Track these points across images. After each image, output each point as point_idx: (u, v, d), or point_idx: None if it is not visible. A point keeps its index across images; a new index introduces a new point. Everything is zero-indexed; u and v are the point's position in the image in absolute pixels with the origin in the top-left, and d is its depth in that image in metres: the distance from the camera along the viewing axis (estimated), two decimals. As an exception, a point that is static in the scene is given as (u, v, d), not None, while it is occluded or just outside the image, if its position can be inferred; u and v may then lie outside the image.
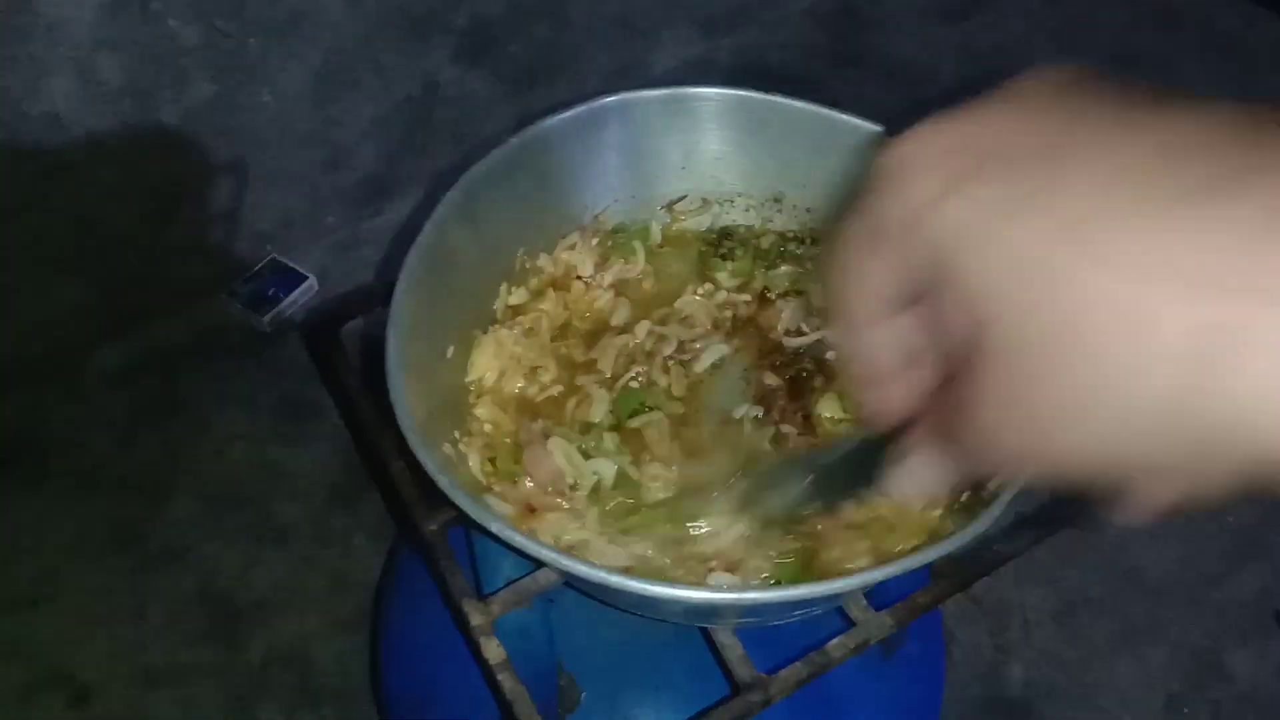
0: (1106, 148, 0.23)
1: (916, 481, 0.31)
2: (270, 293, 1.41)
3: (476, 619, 0.50)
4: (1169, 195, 0.21)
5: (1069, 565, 1.26)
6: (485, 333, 0.60)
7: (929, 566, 0.54)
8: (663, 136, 0.66)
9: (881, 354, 0.29)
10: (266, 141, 1.34)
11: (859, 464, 0.35)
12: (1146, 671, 1.22)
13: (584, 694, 0.68)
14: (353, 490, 1.30)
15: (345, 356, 0.60)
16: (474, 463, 0.55)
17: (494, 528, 0.42)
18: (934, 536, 0.53)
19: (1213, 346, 0.21)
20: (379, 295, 0.63)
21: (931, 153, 0.25)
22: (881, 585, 0.57)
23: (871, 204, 0.26)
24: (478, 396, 0.58)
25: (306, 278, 1.42)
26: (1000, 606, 1.24)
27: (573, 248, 0.65)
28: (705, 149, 0.67)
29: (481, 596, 0.52)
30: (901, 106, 1.63)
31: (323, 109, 1.35)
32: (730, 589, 0.47)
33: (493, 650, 0.49)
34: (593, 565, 0.41)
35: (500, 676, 0.49)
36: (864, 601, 0.52)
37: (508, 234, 0.61)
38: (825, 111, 0.63)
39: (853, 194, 0.27)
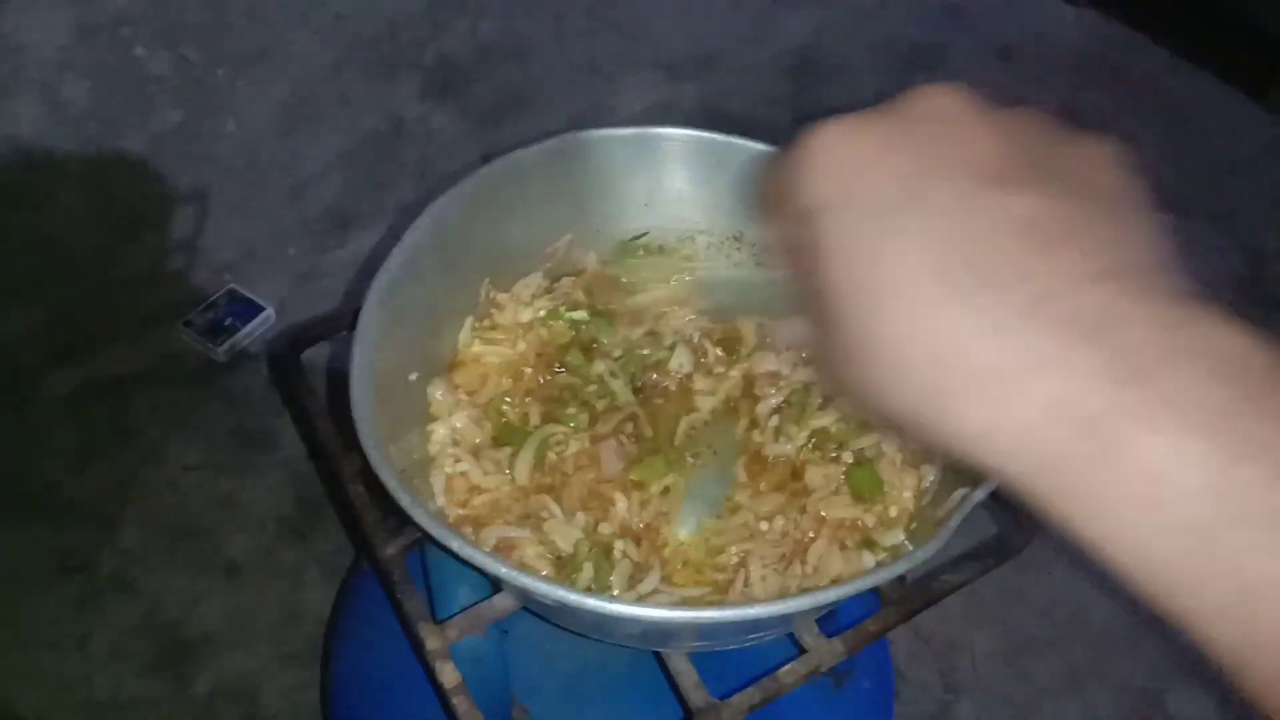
0: (936, 218, 0.29)
1: (792, 333, 0.39)
2: (227, 323, 1.41)
3: (433, 643, 0.51)
4: (955, 278, 0.28)
5: (1017, 606, 1.28)
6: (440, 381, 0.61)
7: (878, 596, 0.55)
8: (627, 174, 0.67)
9: (785, 247, 0.36)
10: (230, 171, 1.35)
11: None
12: (1092, 712, 1.24)
13: (537, 725, 0.68)
14: (304, 523, 1.29)
15: (306, 380, 0.60)
16: (438, 487, 0.56)
17: (454, 545, 0.43)
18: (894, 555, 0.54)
19: (944, 387, 0.28)
20: (342, 321, 0.63)
21: (830, 161, 0.31)
22: (831, 613, 0.59)
23: (786, 171, 0.33)
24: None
25: (264, 309, 1.41)
26: (949, 646, 1.26)
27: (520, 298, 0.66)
28: (668, 187, 0.69)
29: (437, 621, 0.52)
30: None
31: (287, 141, 1.36)
32: (683, 607, 0.48)
33: (448, 674, 0.50)
34: (549, 583, 0.42)
35: (455, 700, 0.49)
36: (815, 628, 0.53)
37: (474, 263, 0.62)
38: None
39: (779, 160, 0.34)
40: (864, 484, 0.56)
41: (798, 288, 0.37)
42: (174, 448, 1.34)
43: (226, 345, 1.39)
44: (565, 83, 1.56)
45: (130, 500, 1.29)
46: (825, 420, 0.59)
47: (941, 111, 0.32)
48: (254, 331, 1.41)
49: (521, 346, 0.64)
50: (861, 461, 0.57)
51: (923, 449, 0.35)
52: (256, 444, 1.35)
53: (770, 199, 0.36)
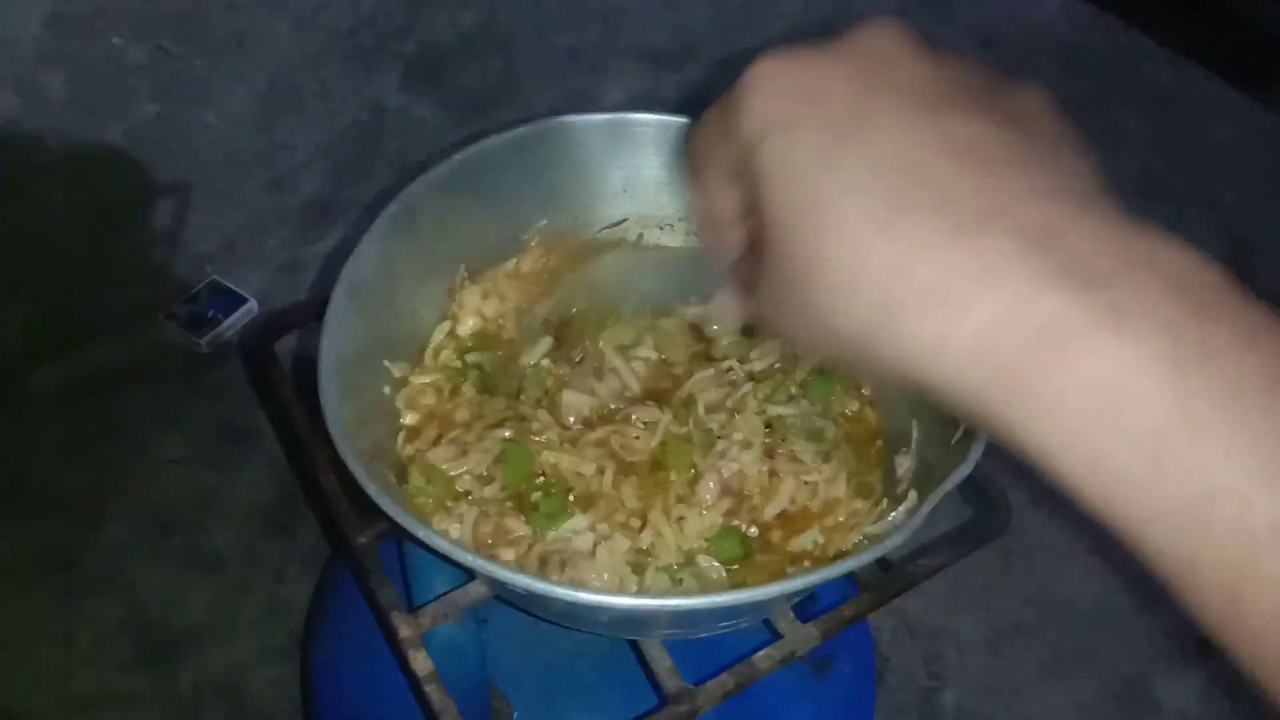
0: (879, 139, 0.30)
1: (727, 310, 0.41)
2: (209, 315, 1.40)
3: (405, 631, 0.50)
4: (903, 194, 0.29)
5: (1001, 593, 1.28)
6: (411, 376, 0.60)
7: (854, 581, 0.55)
8: (604, 160, 0.67)
9: (716, 209, 0.37)
10: (210, 163, 1.34)
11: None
12: (1077, 699, 1.24)
13: (516, 714, 0.68)
14: (288, 517, 1.28)
15: (280, 369, 0.60)
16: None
17: (420, 533, 0.42)
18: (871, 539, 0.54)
19: (893, 301, 0.28)
20: (315, 310, 0.63)
21: (774, 87, 0.32)
22: (809, 598, 0.59)
23: (725, 109, 0.33)
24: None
25: (247, 300, 1.41)
26: (933, 633, 1.26)
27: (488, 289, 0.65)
28: (646, 174, 0.68)
29: (411, 609, 0.52)
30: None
31: (267, 132, 1.36)
32: (655, 596, 0.48)
33: (420, 662, 0.49)
34: (517, 571, 0.42)
35: (428, 688, 0.49)
36: (790, 614, 0.52)
37: (447, 250, 0.61)
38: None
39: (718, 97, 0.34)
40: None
41: (730, 244, 0.38)
42: (158, 442, 1.33)
43: (209, 337, 1.38)
44: (547, 72, 1.56)
45: (114, 494, 1.28)
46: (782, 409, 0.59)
47: (881, 45, 0.33)
48: (237, 323, 1.40)
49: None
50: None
51: (870, 381, 0.34)
52: (240, 437, 1.34)
53: (704, 149, 0.36)
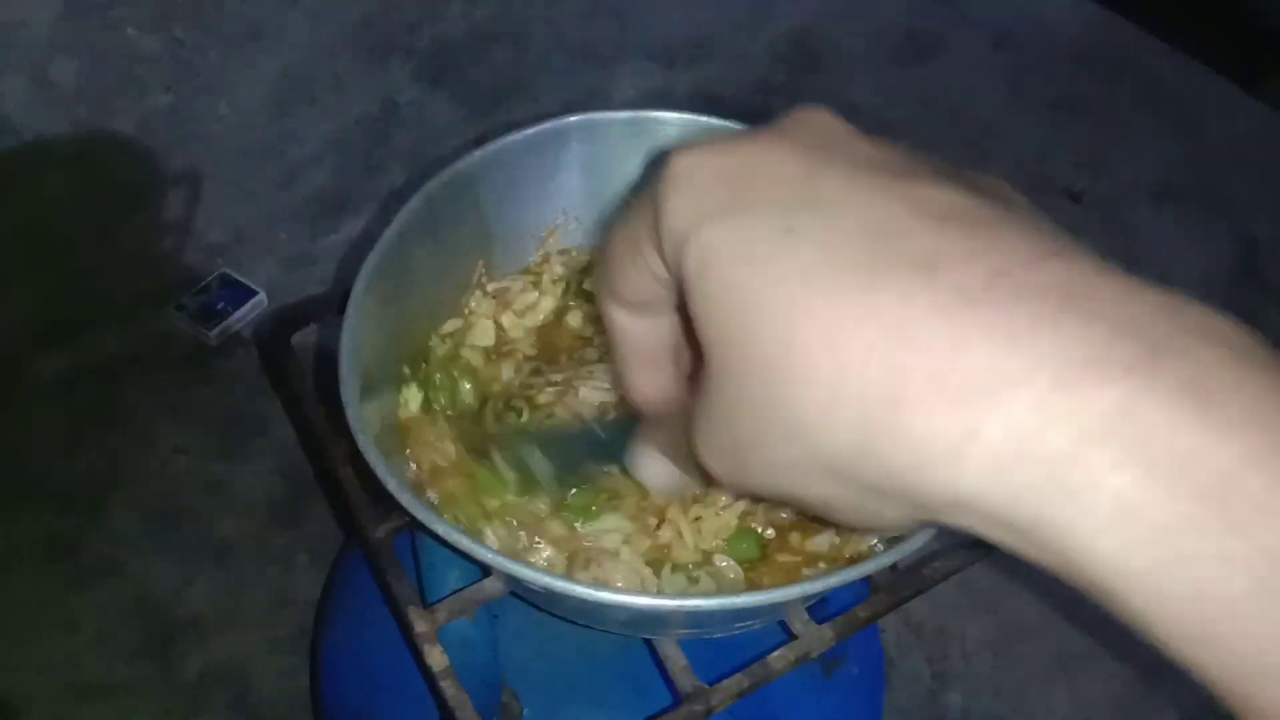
0: (842, 209, 0.24)
1: (650, 473, 0.35)
2: (219, 306, 1.40)
3: (421, 626, 0.50)
4: (885, 262, 0.23)
5: (1007, 594, 1.28)
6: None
7: (868, 583, 0.55)
8: (622, 157, 0.66)
9: (634, 340, 0.31)
10: (221, 154, 1.34)
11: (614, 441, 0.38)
12: (1082, 702, 1.25)
13: (527, 711, 0.68)
14: (296, 508, 1.28)
15: (297, 361, 0.60)
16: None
17: (439, 529, 0.42)
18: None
19: (897, 394, 0.22)
20: (332, 303, 0.63)
21: (703, 176, 0.26)
22: (822, 600, 0.59)
23: (643, 211, 0.28)
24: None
25: (256, 293, 1.41)
26: (939, 635, 1.26)
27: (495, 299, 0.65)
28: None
29: (426, 605, 0.52)
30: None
31: (279, 124, 1.35)
32: (672, 596, 0.48)
33: (435, 657, 0.49)
34: (534, 568, 0.42)
35: (443, 684, 0.49)
36: (805, 615, 0.52)
37: (466, 247, 0.61)
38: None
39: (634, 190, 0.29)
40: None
41: (657, 388, 0.32)
42: (164, 432, 1.33)
43: (218, 329, 1.38)
44: (560, 68, 1.56)
45: (119, 484, 1.29)
46: None
47: (819, 125, 0.27)
48: (246, 315, 1.40)
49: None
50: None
51: (862, 526, 0.27)
52: (248, 428, 1.34)
53: (617, 271, 0.29)
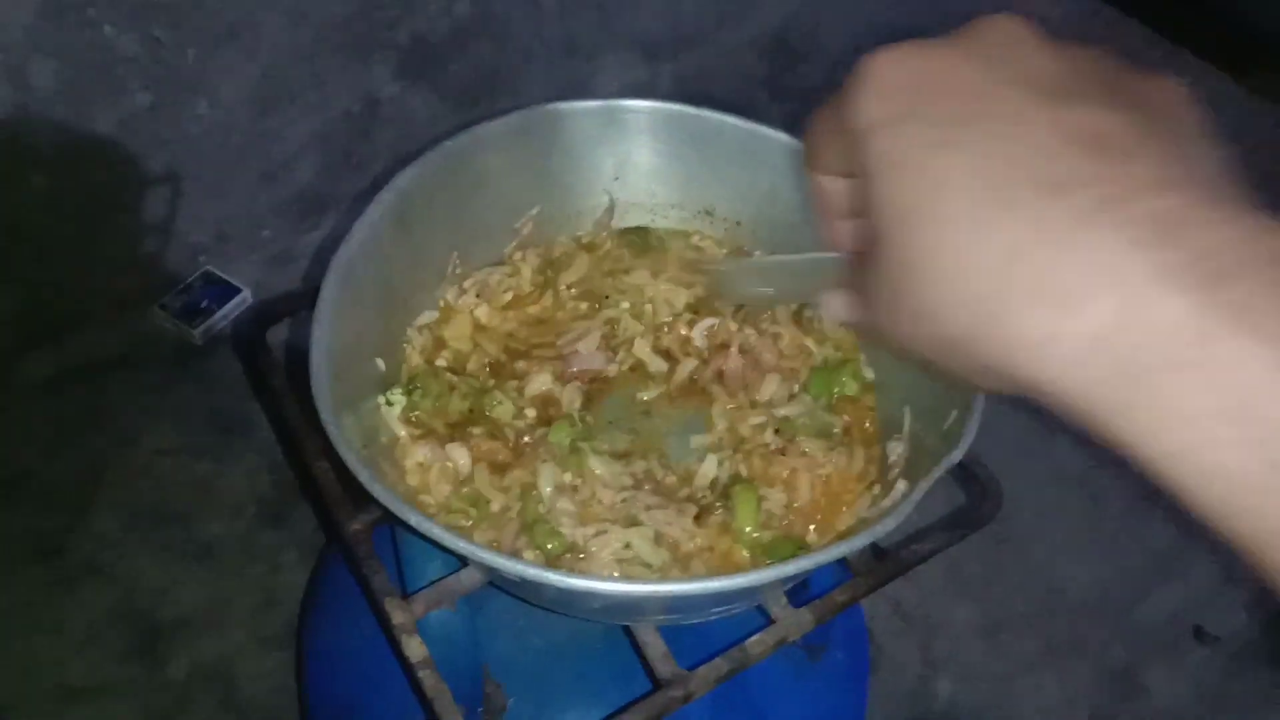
0: (1000, 130, 0.29)
1: (835, 310, 0.40)
2: (203, 305, 1.39)
3: (399, 617, 0.50)
4: (1022, 183, 0.27)
5: (995, 582, 1.29)
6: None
7: (846, 566, 0.55)
8: (595, 147, 0.67)
9: (830, 199, 0.38)
10: (203, 153, 1.33)
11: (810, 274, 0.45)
12: (1069, 688, 1.25)
13: (511, 700, 0.68)
14: (282, 507, 1.28)
15: (271, 356, 0.60)
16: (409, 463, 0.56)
17: (412, 520, 0.42)
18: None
19: (1004, 297, 0.27)
20: (307, 298, 0.63)
21: (887, 82, 0.31)
22: (801, 584, 0.59)
23: (840, 101, 0.33)
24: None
25: (240, 290, 1.40)
26: (928, 622, 1.26)
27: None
28: (638, 161, 0.68)
29: (404, 595, 0.52)
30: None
31: (261, 122, 1.35)
32: (646, 581, 0.48)
33: (414, 648, 0.49)
34: (509, 558, 0.42)
35: (421, 674, 0.49)
36: (783, 599, 0.53)
37: (440, 238, 0.61)
38: (754, 127, 0.65)
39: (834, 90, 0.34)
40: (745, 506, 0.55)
41: (843, 239, 0.39)
42: (149, 432, 1.32)
43: (203, 328, 1.38)
44: (542, 62, 1.55)
45: (104, 484, 1.28)
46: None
47: (1003, 36, 0.32)
48: (230, 314, 1.40)
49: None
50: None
51: (961, 384, 0.32)
52: (233, 428, 1.34)
53: (818, 145, 0.36)
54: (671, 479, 0.58)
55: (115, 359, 1.37)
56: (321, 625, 0.81)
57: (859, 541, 0.44)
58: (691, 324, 0.65)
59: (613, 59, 1.64)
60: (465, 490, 0.54)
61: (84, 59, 1.17)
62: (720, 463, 0.58)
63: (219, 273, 1.41)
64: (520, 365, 0.61)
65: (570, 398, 0.59)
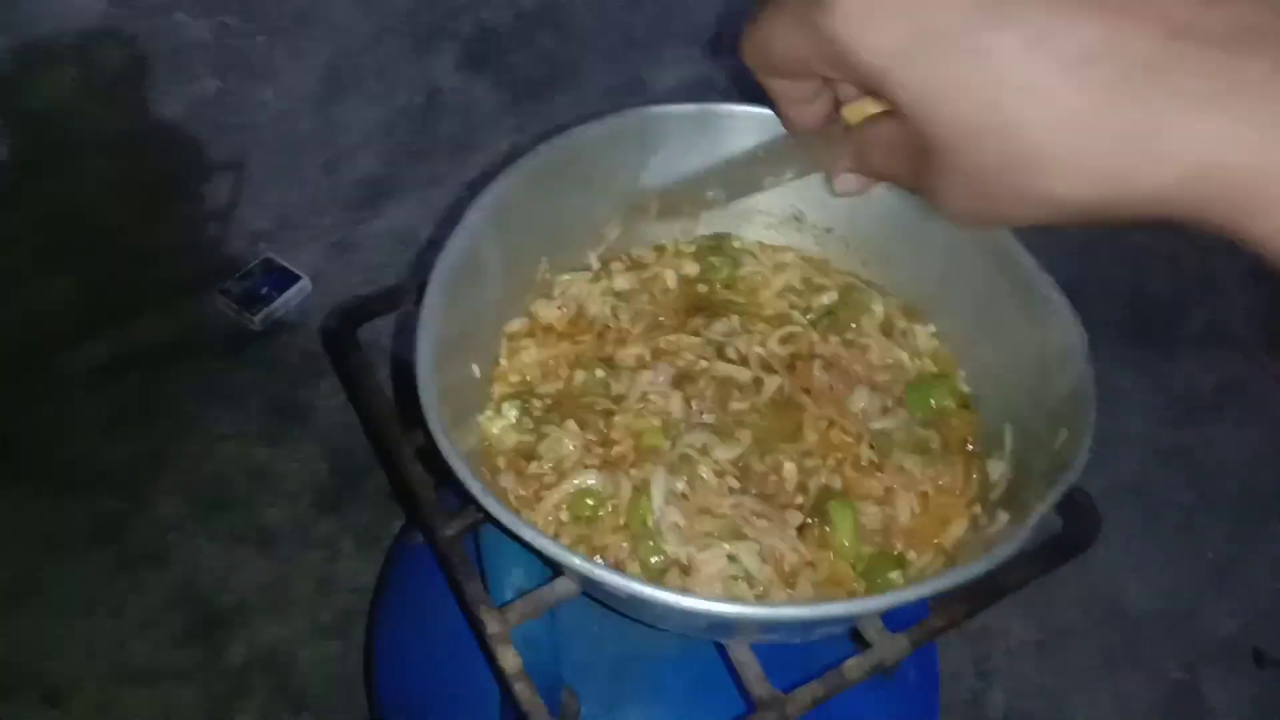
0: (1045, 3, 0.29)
1: (849, 187, 0.43)
2: (263, 292, 1.40)
3: (494, 627, 0.50)
4: (1107, 19, 0.28)
5: (1052, 594, 1.27)
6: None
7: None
8: (686, 152, 0.65)
9: (792, 92, 0.40)
10: (266, 140, 1.34)
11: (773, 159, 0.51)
12: (1125, 702, 1.23)
13: (583, 709, 0.67)
14: (339, 494, 1.29)
15: (362, 355, 0.60)
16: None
17: (527, 536, 0.42)
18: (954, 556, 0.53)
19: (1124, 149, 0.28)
20: (399, 298, 0.63)
21: (875, 8, 0.31)
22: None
23: (811, 26, 0.33)
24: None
25: (300, 278, 1.41)
26: (983, 634, 1.25)
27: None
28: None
29: (498, 605, 0.52)
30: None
31: (325, 110, 1.35)
32: (759, 604, 0.47)
33: (509, 660, 0.49)
34: (623, 576, 0.41)
35: (517, 686, 0.49)
36: (879, 623, 0.52)
37: (532, 244, 0.61)
38: (848, 134, 0.64)
39: None
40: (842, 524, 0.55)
41: (812, 119, 0.41)
42: (207, 418, 1.34)
43: (262, 314, 1.39)
44: (602, 55, 1.54)
45: (164, 470, 1.29)
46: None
47: None
48: (290, 301, 1.41)
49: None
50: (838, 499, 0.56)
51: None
52: (291, 414, 1.35)
53: (779, 47, 0.36)
54: (774, 479, 0.57)
55: (174, 345, 1.39)
56: (395, 623, 0.81)
57: (975, 569, 0.43)
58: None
59: (671, 54, 1.63)
60: (571, 499, 0.54)
61: (154, 45, 1.18)
62: (808, 471, 0.57)
63: (279, 259, 1.42)
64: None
65: (670, 405, 0.58)
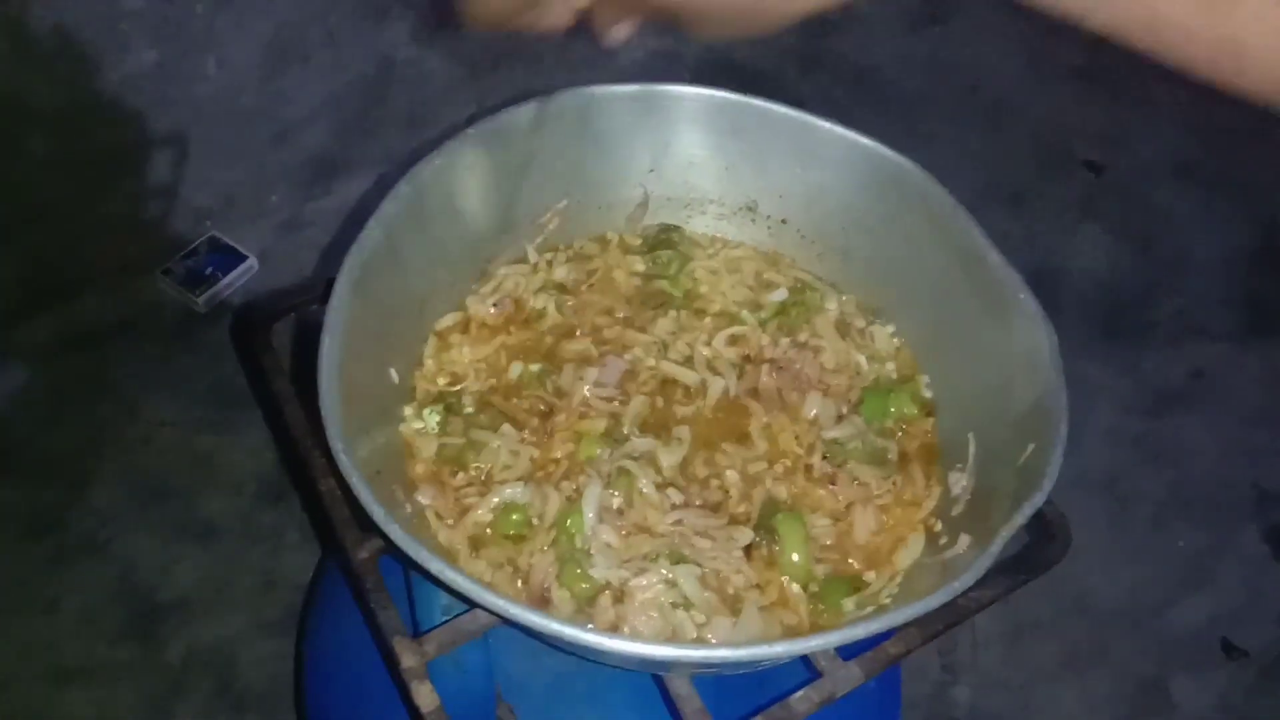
0: None
1: (616, 34, 0.45)
2: (208, 272, 1.34)
3: (408, 660, 0.46)
4: None
5: (1019, 588, 1.24)
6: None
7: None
8: (631, 136, 0.61)
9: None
10: (210, 114, 1.28)
11: None
12: (1091, 698, 1.21)
13: (522, 725, 0.64)
14: (285, 485, 1.24)
15: (276, 359, 0.55)
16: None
17: (433, 568, 0.38)
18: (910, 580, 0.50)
19: None
20: (315, 292, 0.58)
21: None
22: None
23: None
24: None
25: (246, 258, 1.35)
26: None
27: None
28: (676, 151, 0.63)
29: (415, 635, 0.47)
30: (869, 112, 1.61)
31: (271, 83, 1.29)
32: (689, 646, 0.43)
33: (425, 697, 0.45)
34: (546, 616, 0.37)
35: (431, 725, 0.45)
36: (831, 651, 0.48)
37: (458, 235, 0.56)
38: (805, 118, 0.59)
39: None
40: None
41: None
42: (150, 403, 1.28)
43: (207, 295, 1.33)
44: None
45: (104, 457, 1.24)
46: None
47: None
48: (235, 281, 1.35)
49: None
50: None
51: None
52: (236, 400, 1.29)
53: None
54: (717, 484, 0.53)
55: (116, 326, 1.33)
56: (323, 630, 0.77)
57: (934, 601, 0.39)
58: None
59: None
60: (496, 515, 0.50)
61: (87, 14, 1.12)
62: (753, 477, 0.54)
63: (225, 239, 1.36)
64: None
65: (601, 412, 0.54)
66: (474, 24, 0.40)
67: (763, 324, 0.60)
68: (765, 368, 0.58)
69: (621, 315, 0.61)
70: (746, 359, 0.59)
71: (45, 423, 1.26)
